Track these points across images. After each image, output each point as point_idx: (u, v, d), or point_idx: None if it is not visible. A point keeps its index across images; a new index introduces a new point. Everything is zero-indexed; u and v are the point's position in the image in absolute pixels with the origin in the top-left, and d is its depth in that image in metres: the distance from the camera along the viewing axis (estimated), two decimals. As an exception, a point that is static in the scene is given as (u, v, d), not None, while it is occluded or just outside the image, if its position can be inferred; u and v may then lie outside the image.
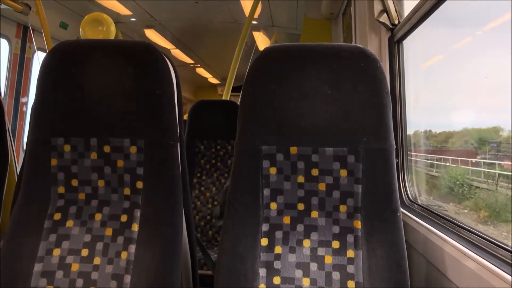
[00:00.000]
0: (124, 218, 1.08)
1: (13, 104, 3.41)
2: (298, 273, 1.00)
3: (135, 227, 1.06)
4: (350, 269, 0.99)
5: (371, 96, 1.03)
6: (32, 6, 3.07)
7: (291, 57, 1.07)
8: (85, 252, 1.06)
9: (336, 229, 1.03)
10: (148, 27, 4.62)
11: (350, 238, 1.02)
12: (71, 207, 1.10)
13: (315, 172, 1.04)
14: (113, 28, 2.56)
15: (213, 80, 8.99)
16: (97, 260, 1.05)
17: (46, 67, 1.12)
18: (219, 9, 3.99)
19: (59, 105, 1.10)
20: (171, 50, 5.82)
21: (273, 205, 1.06)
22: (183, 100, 1.21)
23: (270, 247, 1.03)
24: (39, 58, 3.55)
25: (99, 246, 1.06)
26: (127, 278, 1.02)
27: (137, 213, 1.07)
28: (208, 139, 2.45)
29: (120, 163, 1.09)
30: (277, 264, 1.01)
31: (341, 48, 1.06)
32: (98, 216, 1.09)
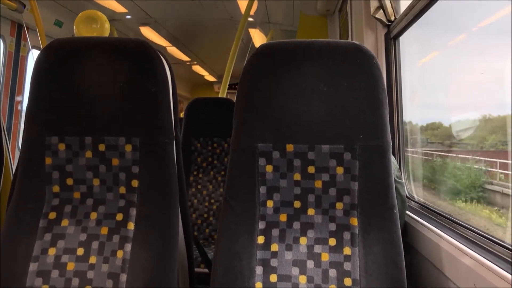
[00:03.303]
0: (119, 217, 1.07)
1: (8, 103, 3.39)
2: (295, 270, 1.00)
3: (131, 225, 1.05)
4: (347, 266, 0.99)
5: (367, 92, 1.02)
6: (26, 4, 3.04)
7: (287, 54, 1.06)
8: (80, 251, 1.05)
9: (332, 227, 1.03)
10: (144, 24, 4.60)
11: (346, 236, 1.01)
12: (66, 206, 1.09)
13: (311, 169, 1.04)
14: (107, 25, 2.54)
15: (209, 78, 8.97)
16: (92, 259, 1.04)
17: (39, 65, 1.11)
18: (215, 6, 3.98)
19: (53, 104, 1.09)
20: (167, 48, 5.80)
21: (270, 203, 1.05)
22: (179, 98, 1.20)
23: (266, 245, 1.02)
24: (34, 56, 3.53)
25: (95, 245, 1.05)
26: (123, 277, 1.01)
27: (133, 211, 1.07)
28: (204, 137, 2.44)
29: (115, 161, 1.08)
30: (273, 262, 1.01)
31: (337, 44, 1.05)
32: (94, 215, 1.08)
